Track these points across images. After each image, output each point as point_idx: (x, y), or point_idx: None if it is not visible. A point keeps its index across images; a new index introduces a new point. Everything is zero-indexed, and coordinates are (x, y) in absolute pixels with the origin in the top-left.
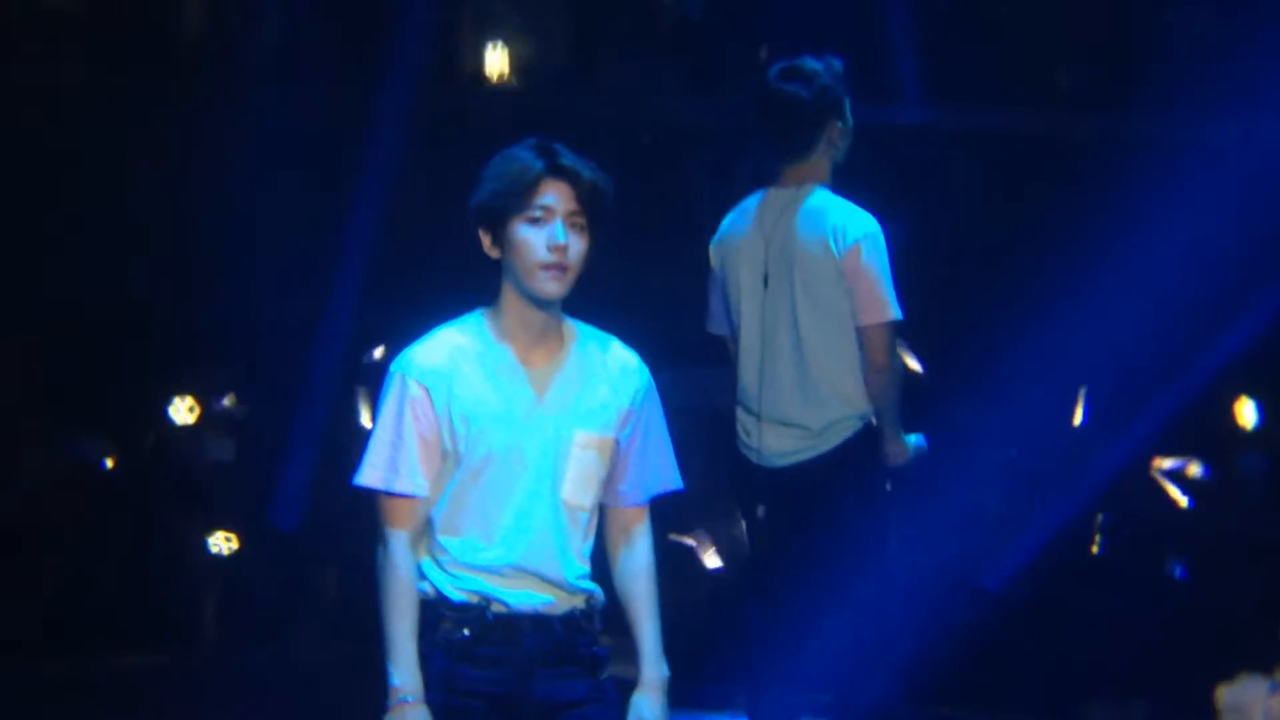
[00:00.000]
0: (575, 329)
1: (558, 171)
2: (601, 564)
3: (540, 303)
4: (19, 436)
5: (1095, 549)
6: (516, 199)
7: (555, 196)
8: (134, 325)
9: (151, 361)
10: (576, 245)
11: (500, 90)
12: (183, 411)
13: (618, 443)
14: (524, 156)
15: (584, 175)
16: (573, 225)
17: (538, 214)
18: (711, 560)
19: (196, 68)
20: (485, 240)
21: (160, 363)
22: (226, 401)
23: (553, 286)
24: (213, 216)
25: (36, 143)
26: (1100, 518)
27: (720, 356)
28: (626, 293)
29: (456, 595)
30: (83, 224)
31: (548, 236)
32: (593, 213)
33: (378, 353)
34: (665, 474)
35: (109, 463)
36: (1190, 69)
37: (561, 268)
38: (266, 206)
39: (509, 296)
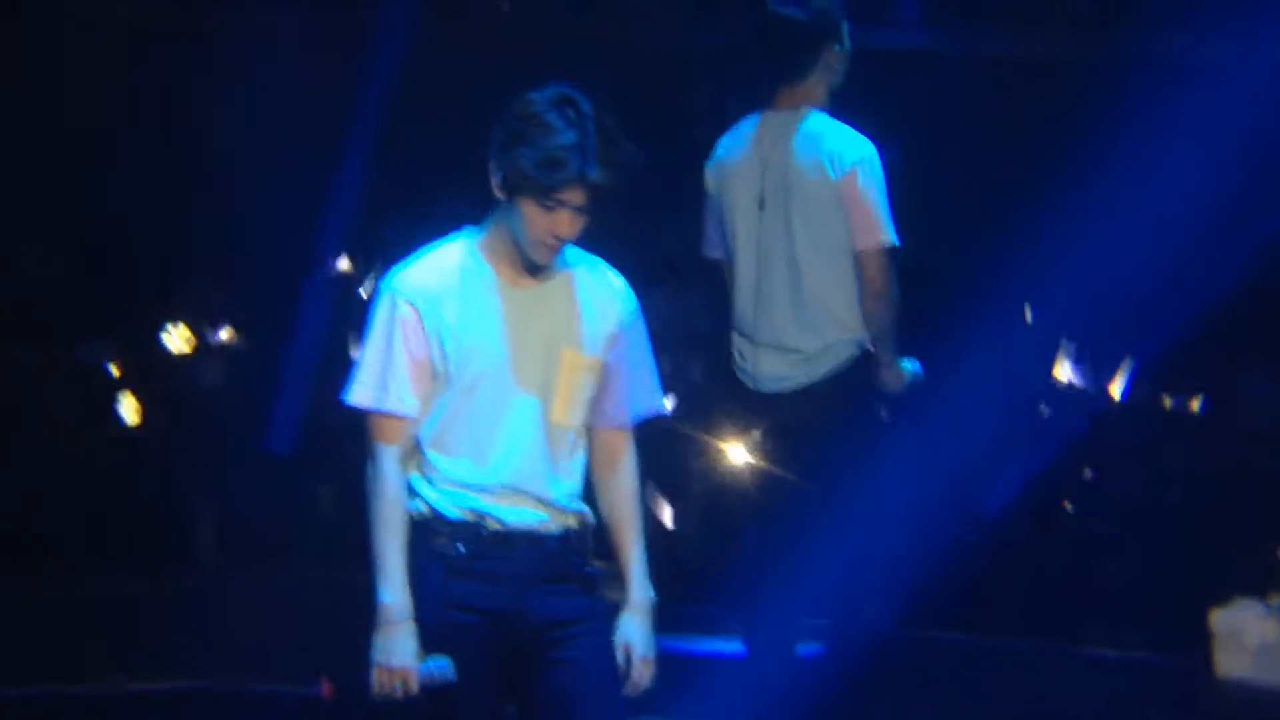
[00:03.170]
0: (564, 251)
1: (586, 182)
2: (588, 489)
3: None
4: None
5: (1091, 473)
6: (537, 190)
7: (575, 194)
8: (132, 246)
9: (149, 280)
10: (578, 226)
11: (500, 13)
12: (176, 338)
13: (605, 364)
14: (561, 145)
15: (607, 186)
16: (580, 212)
17: (551, 204)
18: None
19: None
20: (493, 179)
21: (157, 282)
22: (223, 334)
23: (544, 260)
24: (208, 140)
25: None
26: (1099, 441)
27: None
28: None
29: (452, 512)
30: (86, 145)
31: (552, 223)
32: (605, 200)
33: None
34: (650, 396)
35: (113, 368)
36: None
37: (556, 248)
38: (262, 131)
39: (501, 226)
